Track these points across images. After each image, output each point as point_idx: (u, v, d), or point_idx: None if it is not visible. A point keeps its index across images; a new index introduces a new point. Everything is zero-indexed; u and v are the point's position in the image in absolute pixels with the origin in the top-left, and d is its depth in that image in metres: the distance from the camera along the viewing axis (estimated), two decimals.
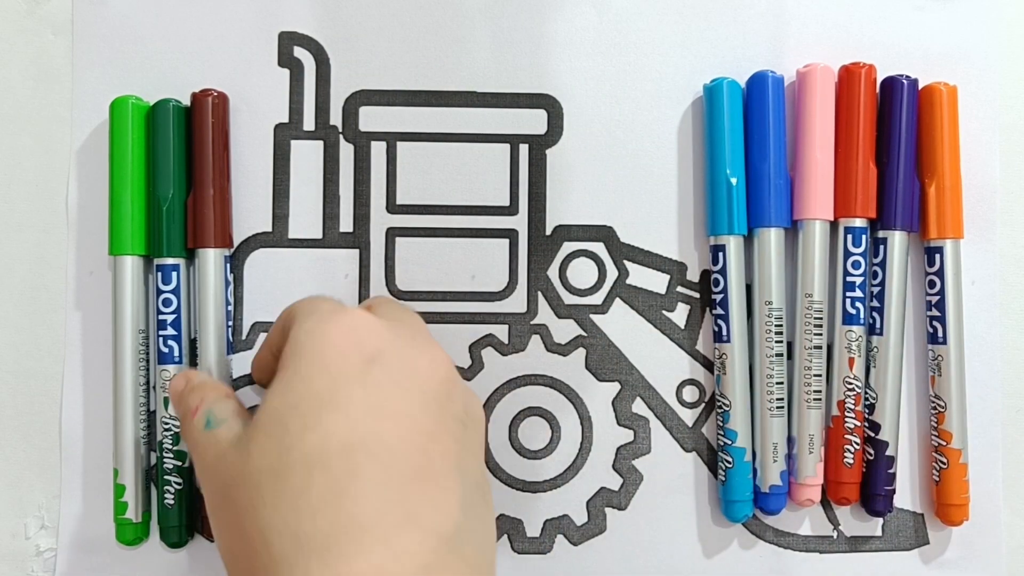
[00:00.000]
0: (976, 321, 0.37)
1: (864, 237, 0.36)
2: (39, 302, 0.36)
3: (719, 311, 0.36)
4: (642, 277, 0.37)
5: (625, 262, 0.37)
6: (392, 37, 0.37)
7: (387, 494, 0.24)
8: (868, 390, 0.36)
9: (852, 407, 0.36)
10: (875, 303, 0.36)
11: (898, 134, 0.36)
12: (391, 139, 0.37)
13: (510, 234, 0.37)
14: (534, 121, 0.37)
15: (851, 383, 0.36)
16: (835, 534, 0.37)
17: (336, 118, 0.37)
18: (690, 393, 0.37)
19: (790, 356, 0.36)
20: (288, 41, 0.37)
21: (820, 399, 0.36)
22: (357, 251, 0.37)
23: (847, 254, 0.36)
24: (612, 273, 0.37)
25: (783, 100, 0.36)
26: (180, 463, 0.35)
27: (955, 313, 0.36)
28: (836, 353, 0.36)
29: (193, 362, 0.35)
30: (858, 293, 0.36)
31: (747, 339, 0.36)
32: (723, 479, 0.36)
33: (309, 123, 0.37)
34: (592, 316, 0.37)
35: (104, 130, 0.36)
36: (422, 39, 0.37)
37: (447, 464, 0.26)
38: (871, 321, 0.36)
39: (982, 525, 0.37)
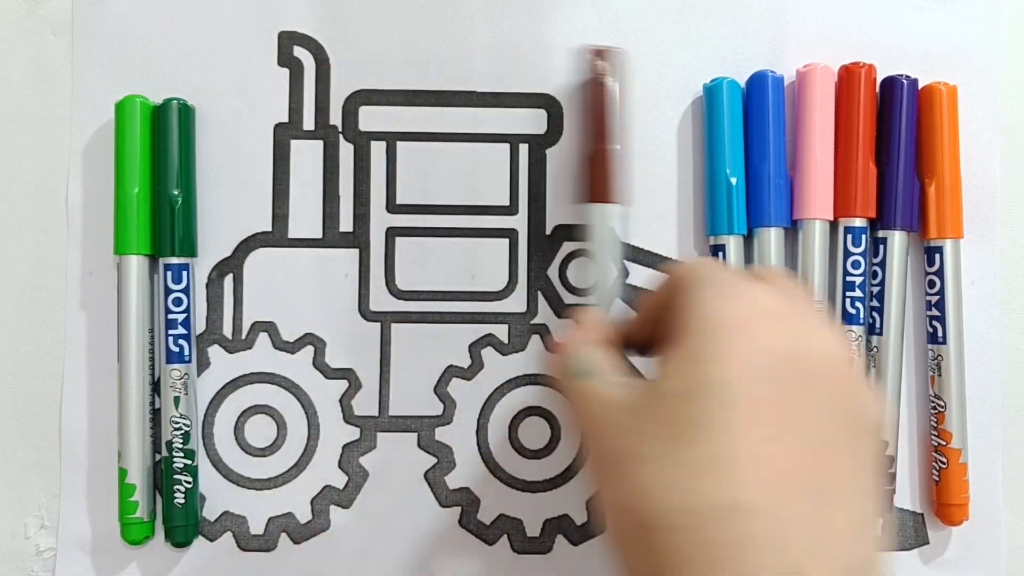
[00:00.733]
0: (976, 321, 0.37)
1: (864, 237, 0.36)
2: (39, 302, 0.36)
3: None
4: (642, 277, 0.37)
5: (625, 262, 0.37)
6: (392, 37, 0.37)
7: (783, 533, 0.21)
8: None
9: None
10: (875, 303, 0.36)
11: (898, 134, 0.36)
12: (391, 139, 0.37)
13: (510, 234, 0.37)
14: (534, 121, 0.37)
15: None
16: None
17: (336, 118, 0.37)
18: None
19: None
20: (288, 41, 0.37)
21: None
22: (357, 251, 0.37)
23: (847, 254, 0.36)
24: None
25: (783, 100, 0.36)
26: (190, 462, 0.35)
27: (955, 313, 0.36)
28: None
29: (199, 362, 0.35)
30: (858, 293, 0.36)
31: None
32: None
33: (309, 123, 0.37)
34: None
35: (104, 130, 0.36)
36: (422, 39, 0.37)
37: (840, 483, 0.22)
38: (871, 321, 0.36)
39: (982, 525, 0.37)
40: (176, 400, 0.35)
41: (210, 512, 0.36)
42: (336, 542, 0.36)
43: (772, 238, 0.35)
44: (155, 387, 0.35)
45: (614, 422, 0.24)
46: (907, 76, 0.36)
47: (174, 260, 0.35)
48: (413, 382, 0.36)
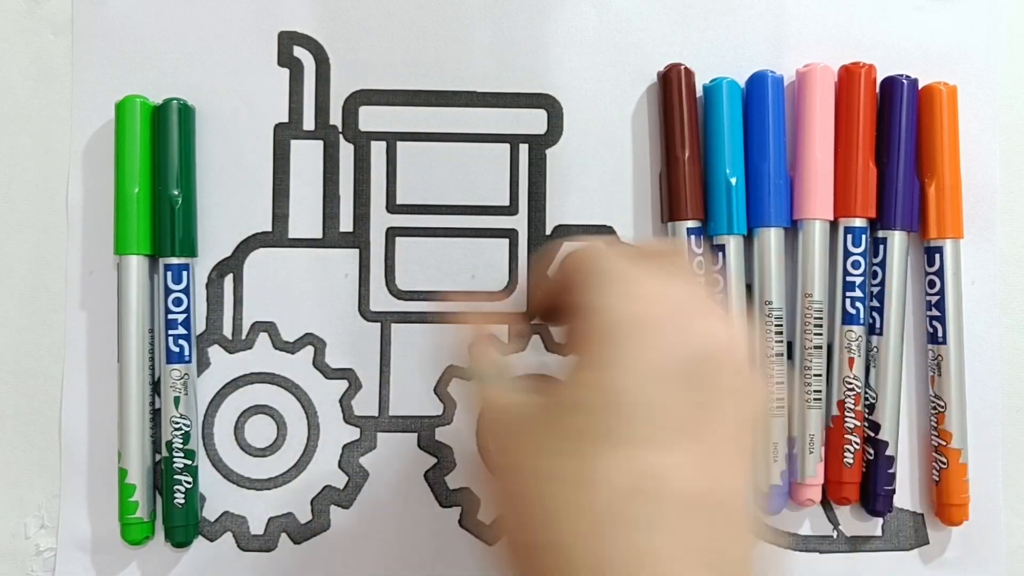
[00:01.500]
0: (976, 321, 0.37)
1: (864, 237, 0.36)
2: (39, 302, 0.36)
3: None
4: None
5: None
6: (392, 37, 0.37)
7: (681, 531, 0.21)
8: (868, 390, 0.36)
9: (852, 407, 0.36)
10: (875, 303, 0.36)
11: (898, 134, 0.36)
12: (391, 139, 0.37)
13: (510, 234, 0.37)
14: (534, 121, 0.37)
15: (851, 383, 0.36)
16: (835, 534, 0.37)
17: (336, 118, 0.37)
18: None
19: (790, 356, 0.36)
20: (288, 41, 0.37)
21: (820, 399, 0.36)
22: (357, 251, 0.37)
23: (847, 254, 0.36)
24: None
25: (783, 100, 0.36)
26: (190, 462, 0.35)
27: (955, 313, 0.36)
28: (836, 353, 0.36)
29: (200, 361, 0.35)
30: (858, 293, 0.36)
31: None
32: None
33: (309, 123, 0.37)
34: None
35: (104, 130, 0.36)
36: (422, 39, 0.37)
37: (731, 490, 0.22)
38: (871, 321, 0.36)
39: (982, 525, 0.37)
40: (176, 400, 0.35)
41: (210, 512, 0.36)
42: (336, 542, 0.36)
43: (772, 238, 0.35)
44: (155, 387, 0.35)
45: (514, 434, 0.23)
46: (907, 76, 0.36)
47: (174, 260, 0.35)
48: (413, 382, 0.36)
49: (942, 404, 0.36)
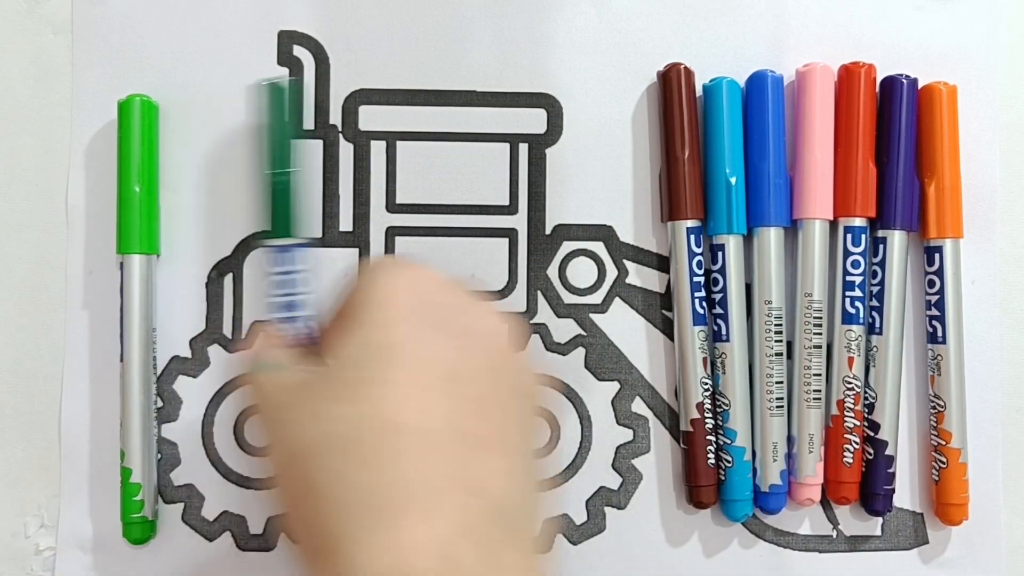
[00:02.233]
0: (976, 321, 0.37)
1: (864, 236, 0.36)
2: (39, 302, 0.36)
3: (719, 311, 0.36)
4: (642, 276, 0.37)
5: (625, 261, 0.37)
6: (392, 37, 0.37)
7: (434, 458, 0.23)
8: (868, 389, 0.36)
9: (852, 406, 0.36)
10: (875, 302, 0.36)
11: (898, 134, 0.36)
12: (391, 138, 0.37)
13: (510, 233, 0.37)
14: (534, 120, 0.37)
15: (851, 382, 0.36)
16: (835, 533, 0.37)
17: (336, 117, 0.37)
18: None
19: (790, 355, 0.36)
20: (288, 40, 0.37)
21: (820, 398, 0.36)
22: (357, 250, 0.37)
23: (847, 253, 0.36)
24: (612, 272, 0.37)
25: (782, 100, 0.36)
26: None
27: (955, 313, 0.36)
28: (836, 352, 0.36)
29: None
30: (858, 292, 0.36)
31: (747, 339, 0.36)
32: (723, 478, 0.36)
33: (309, 122, 0.37)
34: (592, 315, 0.37)
35: (105, 129, 0.36)
36: (422, 39, 0.37)
37: (495, 433, 0.25)
38: (871, 320, 0.36)
39: (982, 525, 0.37)
40: None
41: (210, 512, 0.36)
42: None
43: (772, 238, 0.36)
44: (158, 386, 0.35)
45: (289, 401, 0.25)
46: (907, 76, 0.36)
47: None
48: None
49: (942, 404, 0.36)
